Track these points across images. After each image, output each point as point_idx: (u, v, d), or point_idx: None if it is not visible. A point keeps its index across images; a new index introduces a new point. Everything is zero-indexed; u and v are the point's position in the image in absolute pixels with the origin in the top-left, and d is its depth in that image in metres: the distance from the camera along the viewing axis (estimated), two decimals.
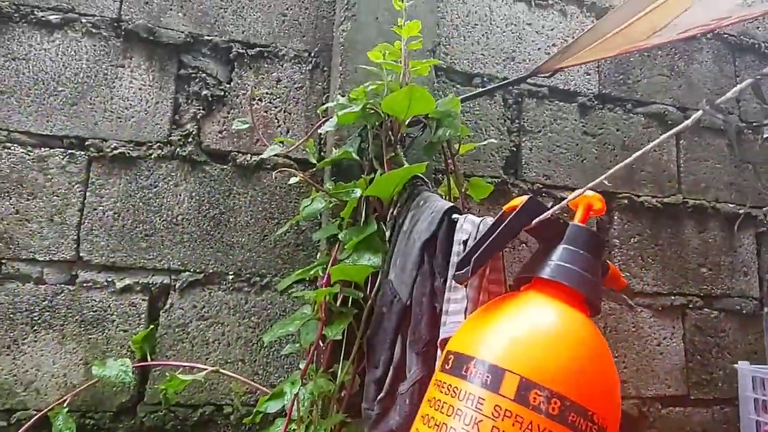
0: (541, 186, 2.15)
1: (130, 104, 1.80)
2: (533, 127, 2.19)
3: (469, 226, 1.12)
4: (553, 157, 2.19)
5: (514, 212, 0.85)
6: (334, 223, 1.58)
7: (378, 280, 1.43)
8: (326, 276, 1.43)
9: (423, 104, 1.48)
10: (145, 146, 1.79)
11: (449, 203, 1.28)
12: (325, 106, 1.68)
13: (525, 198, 0.88)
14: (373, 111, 1.57)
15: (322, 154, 1.89)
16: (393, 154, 1.60)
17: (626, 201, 2.23)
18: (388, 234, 1.47)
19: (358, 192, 1.47)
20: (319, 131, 1.62)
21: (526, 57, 2.23)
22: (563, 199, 0.90)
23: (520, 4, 2.27)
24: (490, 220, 1.04)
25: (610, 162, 2.24)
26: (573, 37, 2.31)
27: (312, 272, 1.54)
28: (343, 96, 1.74)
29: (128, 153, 1.77)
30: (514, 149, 2.16)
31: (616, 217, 2.23)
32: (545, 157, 2.18)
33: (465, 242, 1.10)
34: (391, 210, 1.51)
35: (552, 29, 2.29)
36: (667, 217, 2.28)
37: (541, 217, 0.87)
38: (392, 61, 1.59)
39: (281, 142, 1.64)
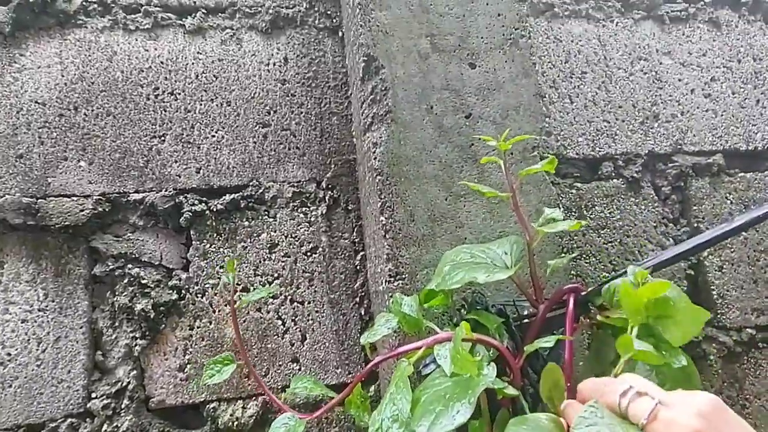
0: (752, 333, 1.22)
1: (9, 354, 0.96)
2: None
3: None
4: (760, 272, 1.26)
5: None
6: None
7: None
8: None
9: None
10: (43, 431, 0.94)
11: None
12: (368, 337, 0.79)
13: None
14: None
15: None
16: None
17: None
18: None
19: None
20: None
21: (676, 110, 1.32)
22: None
23: (645, 23, 1.37)
24: None
25: None
26: (737, 59, 1.39)
27: None
28: (396, 279, 0.88)
29: None
30: (692, 272, 1.24)
31: None
32: (746, 275, 1.25)
33: None
34: None
35: (703, 54, 1.37)
36: None
37: None
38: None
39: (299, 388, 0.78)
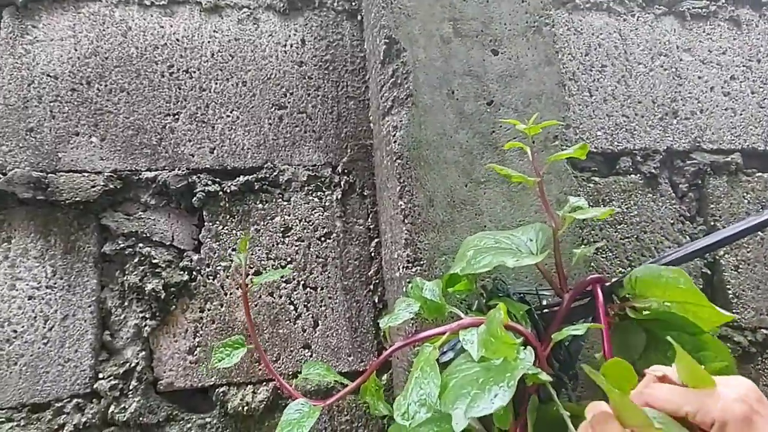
0: (767, 333, 1.20)
1: (15, 331, 0.93)
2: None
3: None
4: None
5: None
6: None
7: None
8: None
9: None
10: (49, 410, 0.92)
11: None
12: (389, 321, 0.77)
13: None
14: None
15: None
16: None
17: None
18: None
19: None
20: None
21: (695, 107, 1.30)
22: None
23: (667, 18, 1.35)
24: None
25: None
26: (757, 59, 1.38)
27: None
28: (414, 265, 0.86)
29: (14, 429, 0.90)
30: (708, 271, 1.22)
31: None
32: (762, 275, 1.23)
33: None
34: None
35: (723, 52, 1.36)
36: None
37: None
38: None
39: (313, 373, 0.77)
